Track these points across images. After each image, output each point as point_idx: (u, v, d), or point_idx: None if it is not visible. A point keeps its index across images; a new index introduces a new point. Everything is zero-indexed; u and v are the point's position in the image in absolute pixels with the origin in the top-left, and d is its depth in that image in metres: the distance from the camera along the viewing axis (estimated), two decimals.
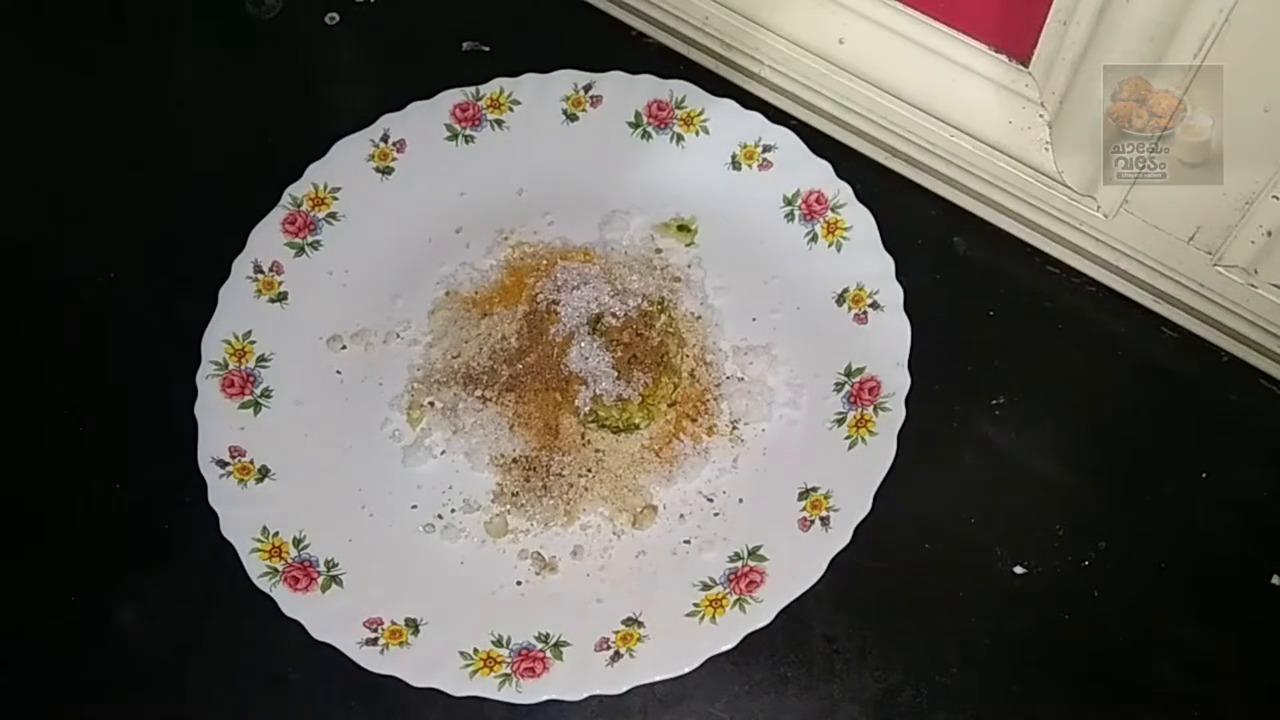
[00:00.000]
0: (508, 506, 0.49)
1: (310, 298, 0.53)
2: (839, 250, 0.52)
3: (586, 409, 0.49)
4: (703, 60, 0.58)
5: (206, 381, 0.50)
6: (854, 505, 0.46)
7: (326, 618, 0.45)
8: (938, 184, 0.55)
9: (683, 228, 0.55)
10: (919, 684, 0.45)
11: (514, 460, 0.49)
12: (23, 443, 0.52)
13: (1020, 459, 0.50)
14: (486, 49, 0.60)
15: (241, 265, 0.53)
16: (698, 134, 0.55)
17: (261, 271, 0.53)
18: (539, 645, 0.45)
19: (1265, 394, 0.50)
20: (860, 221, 0.52)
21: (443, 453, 0.50)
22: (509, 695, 0.43)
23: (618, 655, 0.44)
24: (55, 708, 0.47)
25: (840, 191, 0.53)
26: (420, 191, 0.56)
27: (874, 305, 0.51)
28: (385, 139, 0.56)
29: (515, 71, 0.57)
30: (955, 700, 0.45)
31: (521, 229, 0.55)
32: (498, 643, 0.45)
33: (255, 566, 0.46)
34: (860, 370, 0.49)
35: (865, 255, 0.52)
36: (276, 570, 0.46)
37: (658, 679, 0.44)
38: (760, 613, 0.44)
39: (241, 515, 0.47)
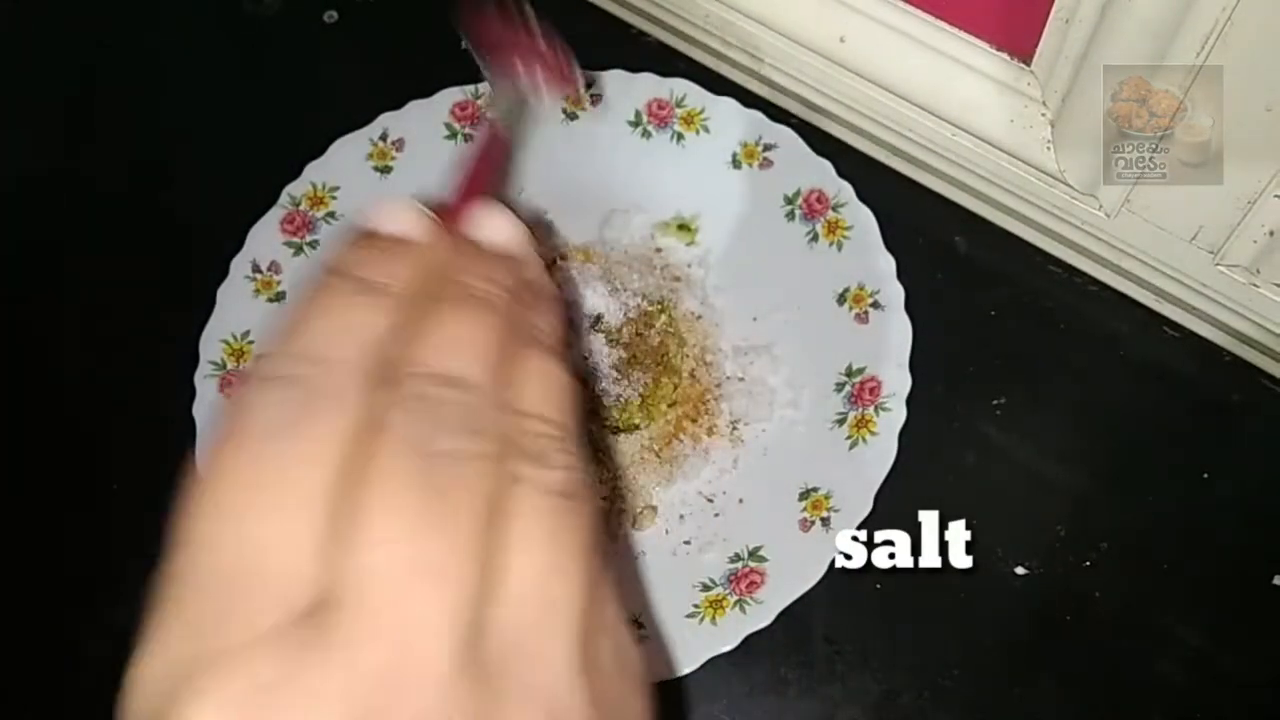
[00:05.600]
0: None
1: None
2: (840, 249, 0.52)
3: (586, 409, 0.48)
4: (703, 58, 0.58)
5: (204, 382, 0.50)
6: (855, 506, 0.46)
7: None
8: (939, 183, 0.54)
9: (683, 227, 0.55)
10: (921, 686, 0.45)
11: None
12: (17, 443, 0.52)
13: (1021, 459, 0.49)
14: None
15: (239, 265, 0.52)
16: (698, 133, 0.55)
17: (260, 271, 0.53)
18: None
19: (1267, 394, 0.50)
20: (861, 221, 0.52)
21: None
22: None
23: None
24: (48, 712, 0.47)
25: (841, 190, 0.52)
26: (419, 190, 0.55)
27: (875, 305, 0.50)
28: (384, 138, 0.55)
29: None
30: (957, 702, 0.45)
31: None
32: None
33: None
34: (861, 370, 0.49)
35: (866, 255, 0.51)
36: None
37: (657, 680, 0.44)
38: (761, 614, 0.44)
39: None
